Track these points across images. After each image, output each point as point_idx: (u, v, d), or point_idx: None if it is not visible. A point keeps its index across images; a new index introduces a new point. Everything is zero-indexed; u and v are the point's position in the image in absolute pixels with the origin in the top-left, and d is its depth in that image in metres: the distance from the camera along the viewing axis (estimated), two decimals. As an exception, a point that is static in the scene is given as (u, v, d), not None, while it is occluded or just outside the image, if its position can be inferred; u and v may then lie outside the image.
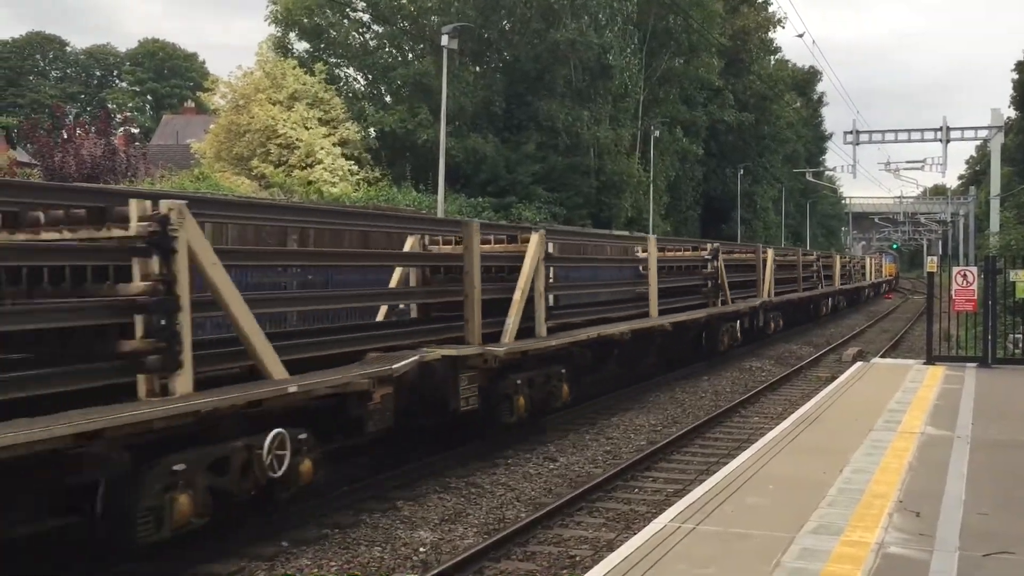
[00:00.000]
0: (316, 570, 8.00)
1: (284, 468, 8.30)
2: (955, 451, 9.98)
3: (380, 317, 13.11)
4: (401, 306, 13.76)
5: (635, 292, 18.74)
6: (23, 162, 41.32)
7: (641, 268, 19.08)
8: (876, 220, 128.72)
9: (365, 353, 10.07)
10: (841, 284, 42.81)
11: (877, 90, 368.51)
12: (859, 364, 18.54)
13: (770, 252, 27.82)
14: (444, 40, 32.35)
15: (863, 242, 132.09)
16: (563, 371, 13.81)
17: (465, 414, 11.41)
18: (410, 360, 9.99)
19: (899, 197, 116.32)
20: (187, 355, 7.58)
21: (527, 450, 12.64)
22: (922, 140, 48.84)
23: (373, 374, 9.30)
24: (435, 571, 7.79)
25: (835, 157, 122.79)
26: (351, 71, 50.94)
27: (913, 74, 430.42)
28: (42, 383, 6.91)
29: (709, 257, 22.27)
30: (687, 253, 22.89)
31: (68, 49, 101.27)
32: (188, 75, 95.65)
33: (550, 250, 14.00)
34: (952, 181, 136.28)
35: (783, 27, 77.70)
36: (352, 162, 40.05)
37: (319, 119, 40.38)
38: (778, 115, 79.23)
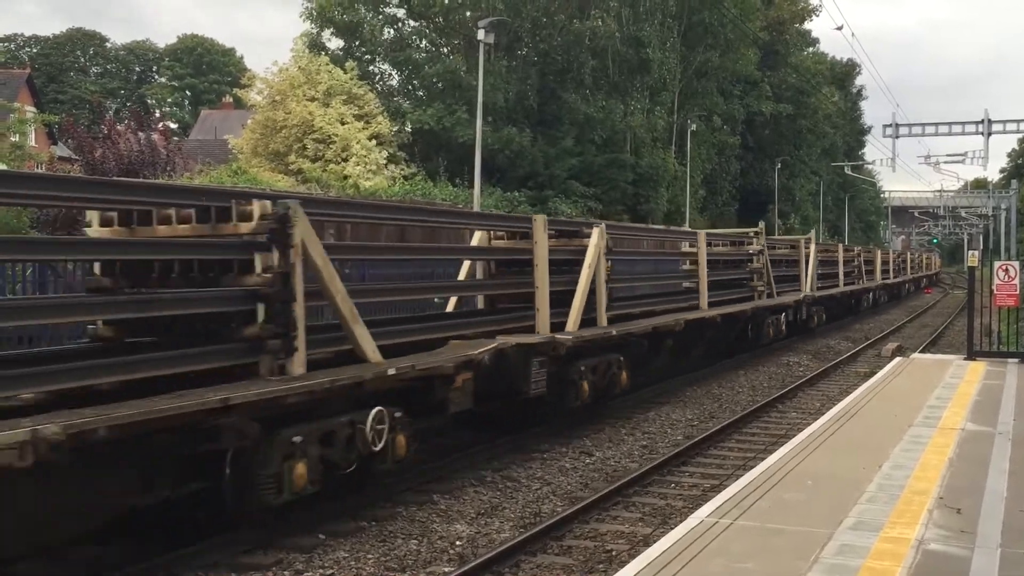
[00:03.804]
0: (353, 562, 8.05)
1: (383, 442, 8.88)
2: (996, 447, 9.86)
3: (450, 308, 13.50)
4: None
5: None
6: (64, 157, 41.88)
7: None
8: (916, 214, 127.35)
9: (447, 340, 10.67)
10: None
11: (913, 81, 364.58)
12: (898, 359, 18.35)
13: (812, 247, 27.81)
14: (480, 34, 32.33)
15: (902, 236, 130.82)
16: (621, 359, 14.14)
17: (535, 399, 11.84)
18: (490, 347, 10.59)
19: (939, 191, 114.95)
20: (301, 340, 8.23)
21: (563, 444, 12.64)
22: (963, 133, 48.14)
23: (457, 359, 9.92)
24: (471, 564, 7.81)
25: (874, 150, 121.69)
26: (385, 67, 51.18)
27: (949, 64, 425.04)
28: (175, 363, 7.60)
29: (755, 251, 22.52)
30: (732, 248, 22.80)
31: (108, 45, 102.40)
32: (226, 70, 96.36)
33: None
34: (993, 174, 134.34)
35: (818, 15, 77.07)
36: (386, 155, 40.24)
37: (355, 115, 40.61)
38: (816, 108, 78.58)
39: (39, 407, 6.94)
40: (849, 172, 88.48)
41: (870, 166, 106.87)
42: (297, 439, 8.07)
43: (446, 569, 7.91)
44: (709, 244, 20.04)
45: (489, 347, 10.81)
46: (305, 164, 38.09)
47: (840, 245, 36.99)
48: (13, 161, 28.13)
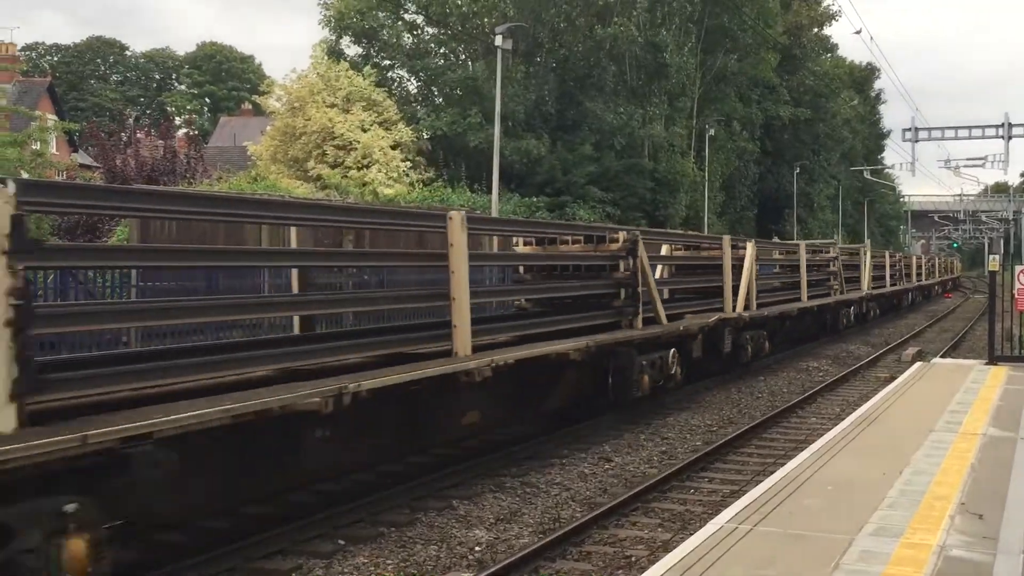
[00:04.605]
0: (372, 568, 8.05)
1: (673, 370, 14.97)
2: (1019, 452, 9.79)
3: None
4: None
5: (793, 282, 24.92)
6: (85, 164, 42.18)
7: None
8: (936, 218, 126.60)
9: (684, 315, 16.75)
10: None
11: (932, 84, 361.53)
12: (919, 364, 18.26)
13: (868, 255, 33.99)
14: (498, 40, 32.39)
15: (922, 240, 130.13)
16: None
17: (725, 355, 18.01)
18: (713, 318, 17.02)
19: (959, 195, 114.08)
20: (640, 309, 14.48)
21: (582, 450, 12.63)
22: (983, 137, 47.60)
23: (699, 324, 16.32)
24: (490, 570, 7.80)
25: (893, 154, 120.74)
26: (403, 73, 51.31)
27: (968, 67, 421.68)
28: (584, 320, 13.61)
29: (832, 256, 28.97)
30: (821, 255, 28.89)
31: (128, 53, 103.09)
32: (245, 77, 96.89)
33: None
34: (1014, 178, 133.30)
35: (837, 20, 76.70)
36: (407, 163, 40.33)
37: (376, 121, 40.73)
38: (835, 112, 78.24)
39: (506, 344, 11.60)
40: (868, 176, 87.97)
41: (889, 170, 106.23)
42: (644, 362, 13.85)
43: (465, 575, 7.91)
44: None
45: (713, 318, 17.10)
46: (324, 171, 38.21)
47: (887, 252, 42.52)
48: (34, 168, 28.33)
